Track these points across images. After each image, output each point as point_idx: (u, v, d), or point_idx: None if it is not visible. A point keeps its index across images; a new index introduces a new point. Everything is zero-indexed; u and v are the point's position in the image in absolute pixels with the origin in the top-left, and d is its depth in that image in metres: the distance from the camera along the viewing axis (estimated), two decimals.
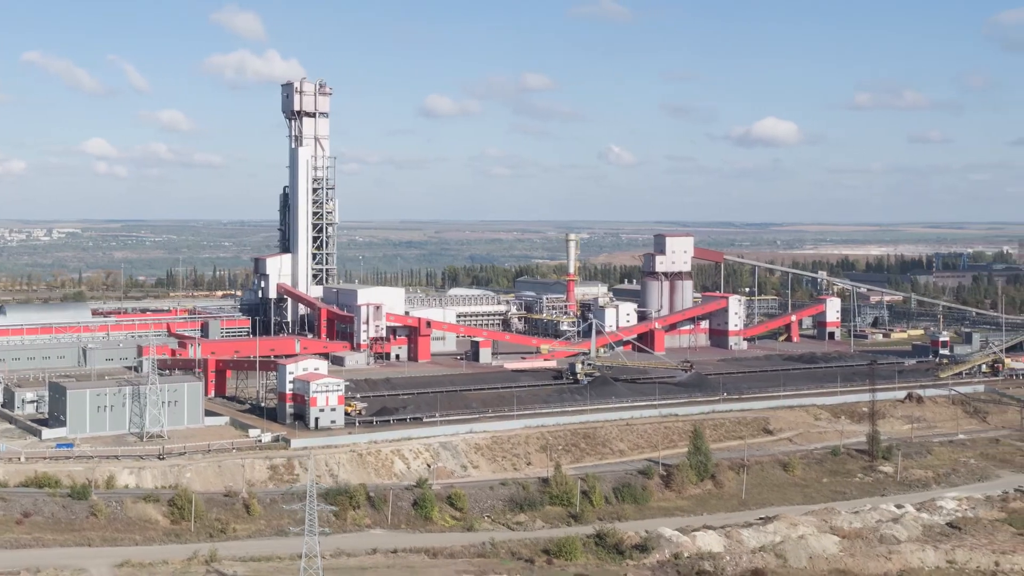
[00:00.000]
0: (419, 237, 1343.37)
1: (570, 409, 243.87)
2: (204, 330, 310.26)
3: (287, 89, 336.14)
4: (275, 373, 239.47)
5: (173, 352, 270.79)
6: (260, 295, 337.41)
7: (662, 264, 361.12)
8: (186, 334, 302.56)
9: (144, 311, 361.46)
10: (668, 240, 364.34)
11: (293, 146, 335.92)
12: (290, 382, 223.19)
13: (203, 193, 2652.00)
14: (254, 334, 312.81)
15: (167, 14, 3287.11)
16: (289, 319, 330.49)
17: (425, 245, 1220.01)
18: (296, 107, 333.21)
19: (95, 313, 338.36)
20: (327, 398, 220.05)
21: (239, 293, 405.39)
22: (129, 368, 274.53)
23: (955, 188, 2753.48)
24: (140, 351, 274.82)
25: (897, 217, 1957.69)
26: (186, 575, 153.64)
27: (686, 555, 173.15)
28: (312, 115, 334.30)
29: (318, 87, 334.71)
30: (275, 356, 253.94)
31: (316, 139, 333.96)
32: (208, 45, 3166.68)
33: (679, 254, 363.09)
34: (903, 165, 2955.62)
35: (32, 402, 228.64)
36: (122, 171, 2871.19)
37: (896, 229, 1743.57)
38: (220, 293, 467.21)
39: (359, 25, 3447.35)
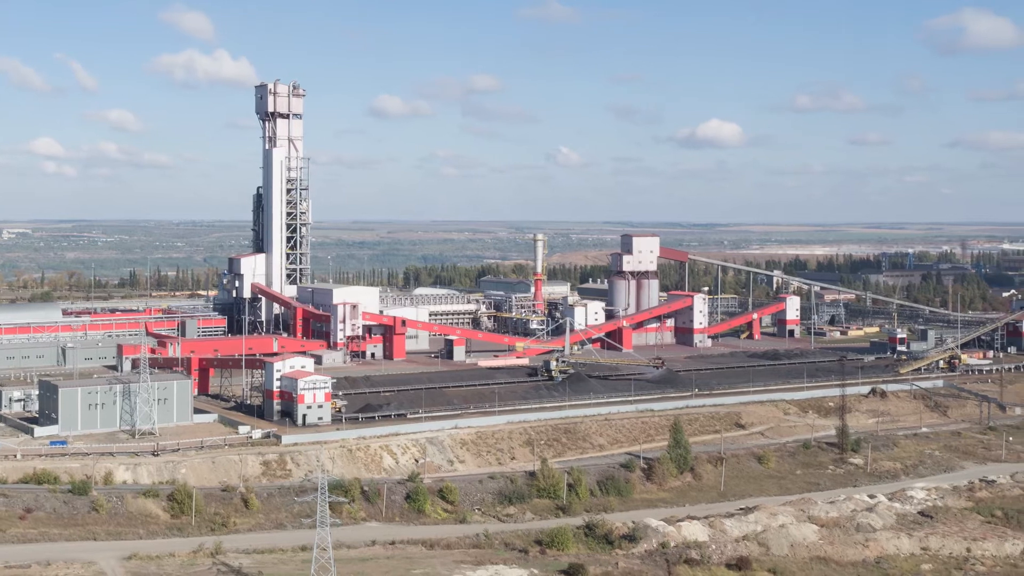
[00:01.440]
0: (371, 237, 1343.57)
1: (549, 405, 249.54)
2: (181, 329, 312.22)
3: (261, 91, 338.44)
4: (257, 371, 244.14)
5: (153, 351, 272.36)
6: (234, 294, 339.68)
7: (629, 263, 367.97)
8: (164, 333, 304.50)
9: (114, 311, 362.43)
10: (635, 240, 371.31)
11: (267, 147, 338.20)
12: (277, 380, 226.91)
13: (153, 193, 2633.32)
14: (230, 333, 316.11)
15: (114, 13, 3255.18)
16: (263, 318, 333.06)
17: (378, 245, 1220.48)
18: (270, 108, 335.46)
19: (66, 313, 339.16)
20: (314, 395, 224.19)
21: (212, 293, 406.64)
22: (110, 367, 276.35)
23: (893, 189, 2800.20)
24: (120, 350, 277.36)
25: (838, 217, 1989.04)
26: (193, 567, 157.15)
27: (673, 544, 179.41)
28: (286, 116, 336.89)
29: (292, 88, 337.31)
30: (261, 355, 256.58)
31: (290, 140, 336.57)
32: (157, 44, 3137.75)
33: (645, 254, 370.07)
34: (843, 166, 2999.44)
35: (19, 400, 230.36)
36: (71, 171, 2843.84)
37: (838, 229, 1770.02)
38: (187, 293, 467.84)
39: (309, 25, 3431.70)
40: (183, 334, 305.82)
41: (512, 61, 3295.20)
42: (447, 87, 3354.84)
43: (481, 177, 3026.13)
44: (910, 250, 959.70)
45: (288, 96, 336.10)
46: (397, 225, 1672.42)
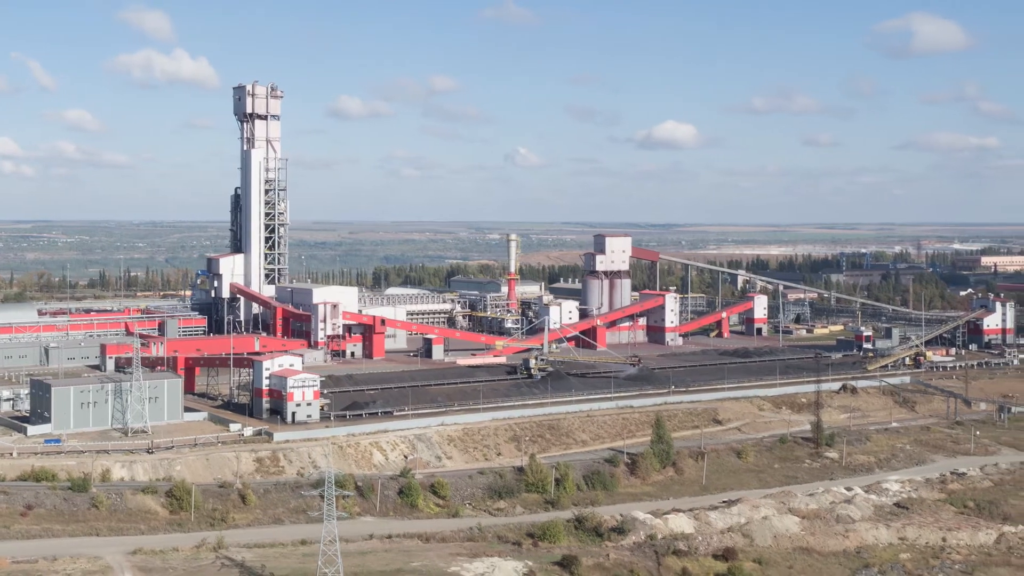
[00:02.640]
0: (333, 238, 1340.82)
1: (531, 402, 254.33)
2: (161, 329, 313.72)
3: (239, 92, 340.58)
4: (242, 370, 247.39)
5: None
6: (213, 294, 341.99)
7: (602, 263, 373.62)
8: (145, 333, 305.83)
9: (88, 311, 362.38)
10: (608, 240, 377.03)
11: (245, 148, 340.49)
12: (266, 378, 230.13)
13: (112, 193, 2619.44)
14: (210, 333, 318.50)
15: (72, 12, 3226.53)
16: (242, 318, 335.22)
17: (340, 246, 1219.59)
18: (248, 109, 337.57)
19: (41, 313, 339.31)
20: (303, 393, 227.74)
21: (187, 293, 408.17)
22: (93, 367, 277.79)
23: (845, 190, 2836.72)
24: (103, 350, 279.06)
25: (792, 218, 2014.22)
26: (197, 561, 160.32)
27: (660, 536, 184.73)
28: (264, 117, 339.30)
29: (269, 90, 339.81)
30: (248, 354, 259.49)
31: (268, 141, 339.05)
32: (115, 44, 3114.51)
33: (618, 253, 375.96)
34: (796, 167, 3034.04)
35: (8, 400, 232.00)
36: (28, 171, 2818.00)
37: (793, 229, 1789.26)
38: (160, 294, 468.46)
39: (269, 25, 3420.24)
40: (163, 334, 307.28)
41: (471, 62, 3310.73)
42: (407, 88, 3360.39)
43: (441, 178, 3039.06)
44: (865, 250, 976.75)
45: (266, 98, 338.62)
46: (358, 225, 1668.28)
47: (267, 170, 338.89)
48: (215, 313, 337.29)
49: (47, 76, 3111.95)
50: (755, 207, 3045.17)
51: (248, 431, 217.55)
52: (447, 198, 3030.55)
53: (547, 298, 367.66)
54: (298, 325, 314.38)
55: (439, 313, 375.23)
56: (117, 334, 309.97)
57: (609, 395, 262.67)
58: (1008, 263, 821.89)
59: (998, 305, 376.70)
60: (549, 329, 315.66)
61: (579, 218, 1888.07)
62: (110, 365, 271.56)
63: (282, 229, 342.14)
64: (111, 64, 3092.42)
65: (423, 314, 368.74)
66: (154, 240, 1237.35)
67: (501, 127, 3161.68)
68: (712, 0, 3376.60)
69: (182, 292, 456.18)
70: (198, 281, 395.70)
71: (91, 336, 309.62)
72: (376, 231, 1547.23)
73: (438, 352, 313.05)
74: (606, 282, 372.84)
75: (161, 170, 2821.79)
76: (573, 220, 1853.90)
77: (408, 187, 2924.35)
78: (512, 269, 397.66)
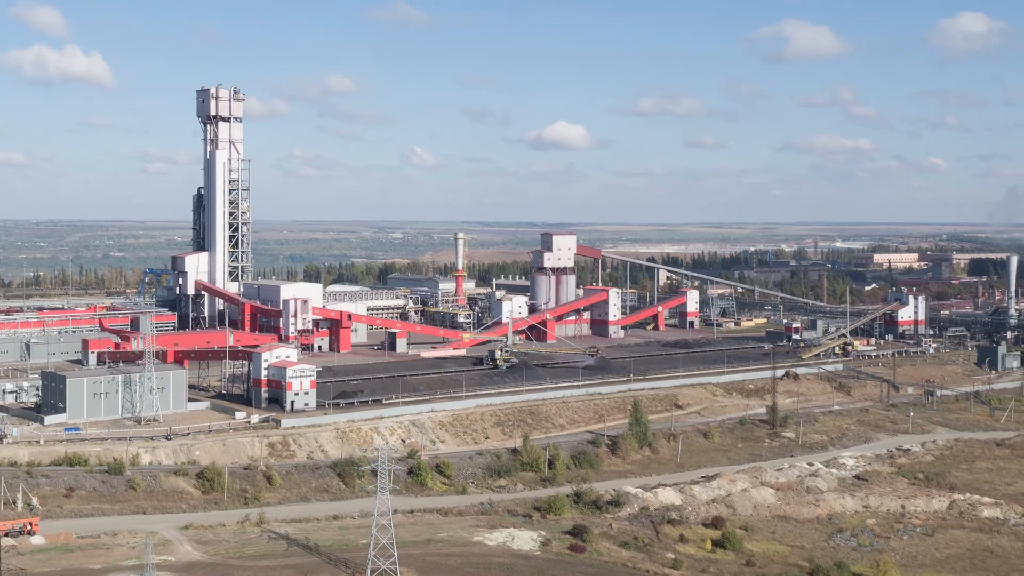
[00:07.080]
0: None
1: (507, 390, 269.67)
2: (133, 325, 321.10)
3: (203, 94, 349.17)
4: (235, 362, 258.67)
5: (117, 346, 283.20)
6: (178, 291, 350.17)
7: (549, 260, 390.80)
8: (119, 328, 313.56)
9: (40, 309, 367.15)
10: (555, 238, 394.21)
11: (209, 149, 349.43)
12: (265, 369, 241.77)
13: (6, 192, 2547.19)
14: (180, 328, 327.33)
15: None
16: (206, 314, 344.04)
17: None
18: (212, 112, 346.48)
19: (1, 311, 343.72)
20: (301, 383, 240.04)
21: (134, 291, 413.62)
22: (75, 362, 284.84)
23: (730, 190, 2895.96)
24: (85, 345, 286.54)
25: (680, 217, 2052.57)
26: (245, 535, 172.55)
27: (653, 508, 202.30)
28: (228, 120, 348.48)
29: (232, 93, 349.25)
30: (243, 347, 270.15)
31: (231, 142, 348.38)
32: (6, 39, 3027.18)
33: (564, 251, 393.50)
34: (682, 168, 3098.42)
35: (12, 392, 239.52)
36: None
37: (682, 229, 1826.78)
38: (106, 291, 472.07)
39: (163, 23, 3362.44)
40: (135, 329, 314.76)
41: (365, 62, 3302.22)
42: (303, 87, 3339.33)
43: (340, 178, 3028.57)
44: (753, 248, 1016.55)
45: (229, 100, 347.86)
46: (260, 225, 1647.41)
47: (231, 170, 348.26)
48: (179, 309, 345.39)
49: None
50: (645, 207, 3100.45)
51: (255, 418, 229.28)
52: (347, 197, 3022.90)
53: (499, 294, 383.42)
54: (265, 320, 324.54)
55: (392, 309, 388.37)
56: (91, 330, 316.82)
57: (579, 383, 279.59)
58: (898, 260, 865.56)
59: (911, 298, 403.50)
60: (501, 323, 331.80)
61: (477, 217, 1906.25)
62: (92, 360, 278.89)
63: (245, 228, 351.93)
64: (1, 60, 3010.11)
65: (378, 310, 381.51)
66: (55, 240, 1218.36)
67: (397, 127, 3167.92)
68: (597, 3, 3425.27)
69: (125, 290, 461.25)
70: (146, 279, 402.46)
71: (69, 332, 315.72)
72: (279, 230, 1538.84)
73: (401, 345, 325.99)
74: (553, 278, 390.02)
75: (57, 169, 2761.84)
76: (472, 219, 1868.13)
77: (307, 187, 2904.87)
78: (459, 266, 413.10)
